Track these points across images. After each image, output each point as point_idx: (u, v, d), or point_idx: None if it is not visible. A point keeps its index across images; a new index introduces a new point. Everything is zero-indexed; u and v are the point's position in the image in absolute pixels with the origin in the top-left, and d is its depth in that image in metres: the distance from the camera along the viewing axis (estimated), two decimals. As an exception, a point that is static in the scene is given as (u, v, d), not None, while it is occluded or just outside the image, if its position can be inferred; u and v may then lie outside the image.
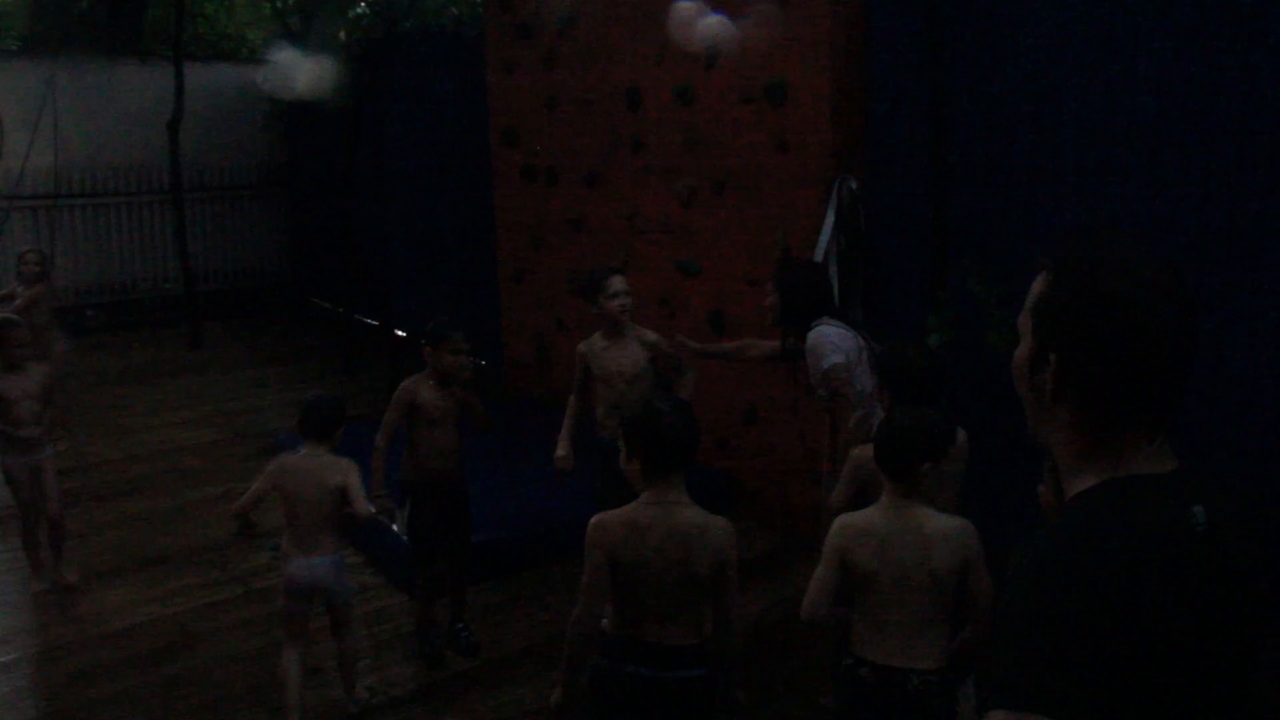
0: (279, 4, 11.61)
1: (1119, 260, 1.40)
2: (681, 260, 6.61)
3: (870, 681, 3.08)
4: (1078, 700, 1.21)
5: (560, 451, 4.84)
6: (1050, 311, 1.44)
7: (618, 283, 4.82)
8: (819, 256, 5.54)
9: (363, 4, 11.57)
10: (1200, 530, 1.33)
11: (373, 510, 4.25)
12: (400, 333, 10.36)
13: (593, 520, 3.08)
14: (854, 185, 5.55)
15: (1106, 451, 1.41)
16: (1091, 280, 1.39)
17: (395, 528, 5.03)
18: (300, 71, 9.23)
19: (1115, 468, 1.40)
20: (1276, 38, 4.10)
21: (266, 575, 5.45)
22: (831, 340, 4.14)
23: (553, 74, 7.59)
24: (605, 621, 3.13)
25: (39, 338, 7.70)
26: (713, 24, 6.03)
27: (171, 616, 5.13)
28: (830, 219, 5.54)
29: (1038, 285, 1.48)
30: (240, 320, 12.62)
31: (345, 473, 4.11)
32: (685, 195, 6.50)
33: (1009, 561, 1.41)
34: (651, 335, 4.94)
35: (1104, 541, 1.30)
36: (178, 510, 6.53)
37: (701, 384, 6.35)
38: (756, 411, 6.16)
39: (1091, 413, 1.42)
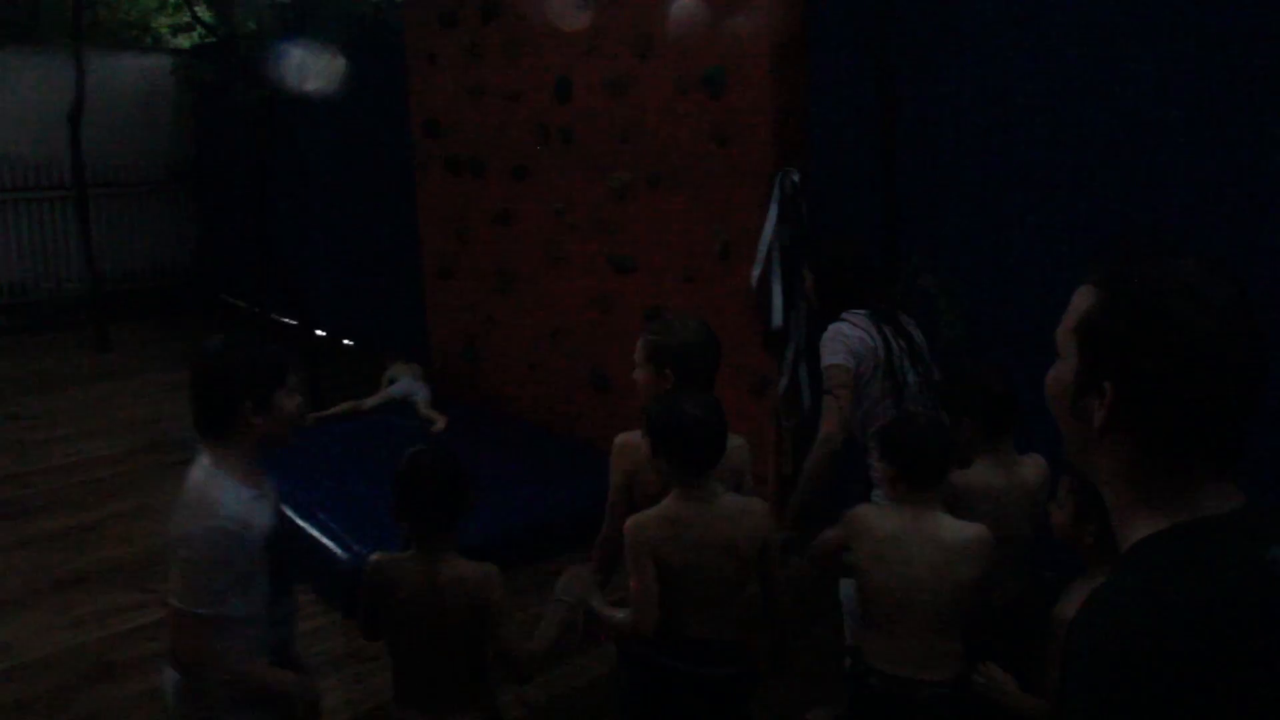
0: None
1: (1186, 283, 1.25)
2: (615, 256, 6.43)
3: (879, 690, 3.02)
4: None
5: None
6: (1105, 336, 1.29)
7: None
8: (762, 251, 5.40)
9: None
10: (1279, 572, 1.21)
11: None
12: (320, 332, 10.04)
13: (630, 522, 3.01)
14: (796, 178, 5.41)
15: (1169, 489, 1.27)
16: (1157, 305, 1.24)
17: None
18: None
19: (1180, 508, 1.26)
20: (1235, 32, 4.04)
21: (190, 596, 5.16)
22: (843, 337, 3.71)
23: (477, 64, 7.35)
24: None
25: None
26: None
27: (88, 645, 4.82)
28: (773, 213, 5.39)
29: (1080, 301, 1.35)
30: (149, 321, 12.13)
31: None
32: (619, 189, 6.32)
33: (1071, 628, 1.28)
34: None
35: (1182, 604, 1.17)
36: (91, 528, 6.15)
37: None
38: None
39: (1154, 448, 1.27)
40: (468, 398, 7.79)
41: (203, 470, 2.67)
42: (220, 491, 2.62)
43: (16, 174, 11.98)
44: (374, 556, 3.00)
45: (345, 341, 10.21)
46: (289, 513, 5.61)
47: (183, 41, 13.86)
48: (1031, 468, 3.38)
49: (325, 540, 5.24)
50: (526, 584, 4.38)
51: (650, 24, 5.93)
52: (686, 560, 2.94)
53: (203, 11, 11.23)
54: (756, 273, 5.43)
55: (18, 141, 11.79)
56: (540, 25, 6.71)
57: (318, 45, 8.57)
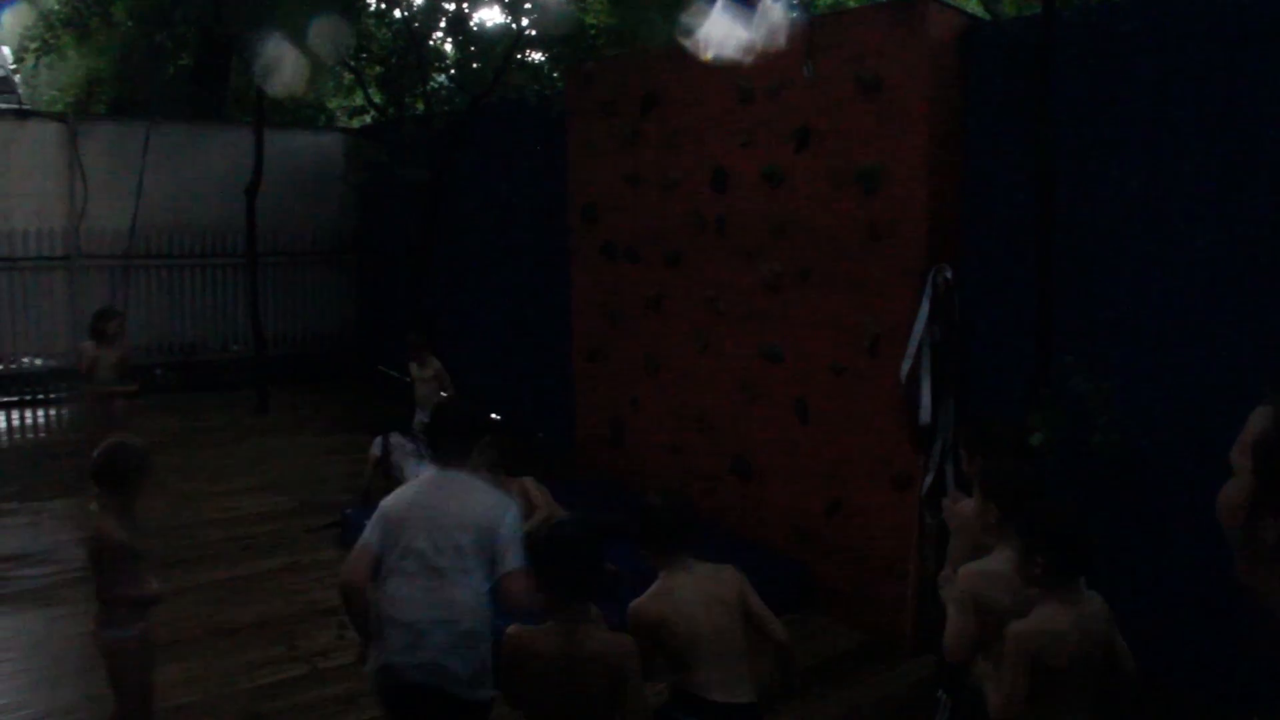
0: (362, 71, 11.74)
1: None
2: (764, 345, 6.47)
3: None
4: None
5: None
6: None
7: None
8: (912, 347, 5.38)
9: (443, 76, 11.71)
10: None
11: None
12: (468, 405, 10.25)
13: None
14: (949, 274, 5.39)
15: None
16: None
17: None
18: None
19: None
20: None
21: (333, 655, 5.30)
22: None
23: (636, 152, 7.53)
24: None
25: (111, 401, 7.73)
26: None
27: (235, 695, 4.99)
28: (925, 309, 5.37)
29: (1257, 421, 1.35)
30: (307, 386, 12.61)
31: None
32: (770, 279, 6.37)
33: None
34: None
35: None
36: (242, 582, 6.40)
37: (783, 474, 6.20)
38: (841, 505, 5.95)
39: None
40: (610, 477, 7.86)
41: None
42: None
43: (194, 241, 12.64)
44: (510, 628, 3.07)
45: (493, 416, 10.41)
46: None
47: (354, 122, 14.54)
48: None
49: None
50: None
51: (807, 118, 6.02)
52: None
53: (374, 93, 11.80)
54: (906, 367, 5.41)
55: (197, 211, 12.46)
56: (699, 115, 6.86)
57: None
